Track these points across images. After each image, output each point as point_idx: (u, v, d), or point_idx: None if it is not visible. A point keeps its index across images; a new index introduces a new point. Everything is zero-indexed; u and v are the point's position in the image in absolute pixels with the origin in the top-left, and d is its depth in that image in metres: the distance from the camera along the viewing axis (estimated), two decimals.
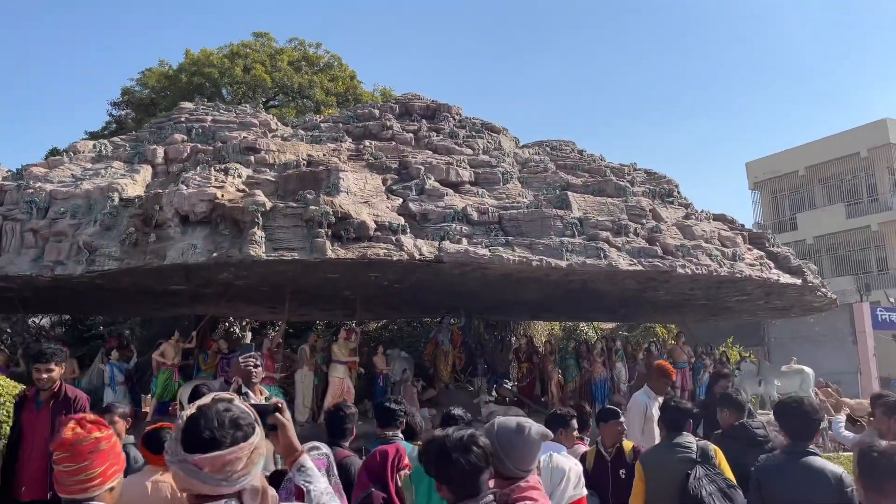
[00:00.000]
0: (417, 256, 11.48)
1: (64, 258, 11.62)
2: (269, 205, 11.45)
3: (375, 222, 11.76)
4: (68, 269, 11.51)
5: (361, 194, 12.67)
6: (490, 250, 11.94)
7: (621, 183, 15.29)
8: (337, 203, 11.61)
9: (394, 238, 11.58)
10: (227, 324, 20.70)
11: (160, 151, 13.74)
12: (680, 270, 12.77)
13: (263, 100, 27.39)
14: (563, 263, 12.10)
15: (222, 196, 11.56)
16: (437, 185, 13.30)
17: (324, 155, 13.93)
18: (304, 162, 13.47)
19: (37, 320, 25.97)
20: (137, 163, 13.48)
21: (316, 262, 11.29)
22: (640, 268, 12.56)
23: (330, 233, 11.30)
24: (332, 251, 11.09)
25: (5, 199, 12.37)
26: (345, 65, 30.14)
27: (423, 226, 12.40)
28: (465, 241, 12.10)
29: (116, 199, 11.98)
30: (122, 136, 14.69)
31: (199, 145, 13.99)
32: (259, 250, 10.91)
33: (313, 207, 11.36)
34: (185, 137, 14.39)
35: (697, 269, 13.04)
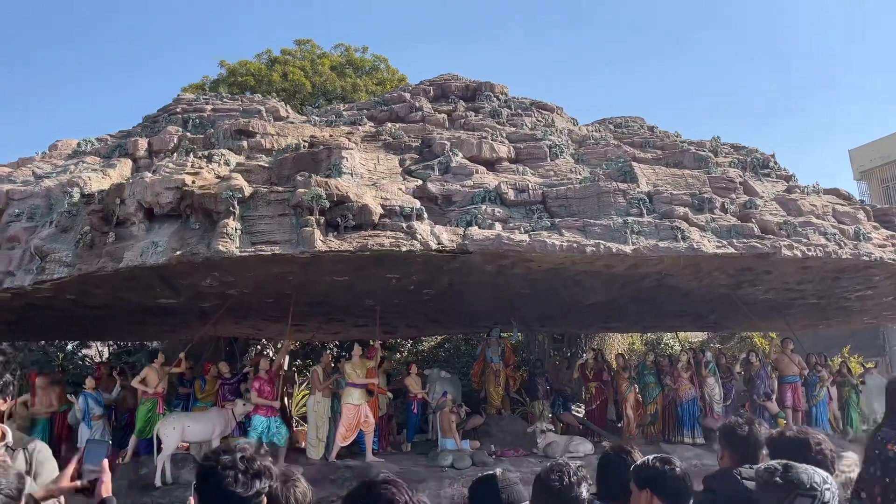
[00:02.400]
0: (434, 246, 8.93)
1: (14, 268, 9.68)
2: (248, 190, 9.18)
3: (383, 206, 9.31)
4: (17, 280, 9.55)
5: (370, 176, 10.27)
6: (530, 236, 9.27)
7: (702, 153, 12.31)
8: (333, 185, 9.22)
9: (404, 225, 9.08)
10: (259, 346, 18.66)
11: (143, 143, 11.77)
12: (786, 252, 9.69)
13: (309, 108, 25.60)
14: (628, 248, 9.28)
15: (193, 183, 9.38)
16: (465, 161, 10.77)
17: (330, 136, 11.61)
18: (306, 144, 11.19)
19: (88, 349, 24.80)
20: (117, 157, 11.53)
21: (306, 259, 8.91)
22: (731, 250, 9.58)
23: (322, 220, 8.94)
24: (324, 243, 8.69)
25: None
26: (393, 68, 28.13)
27: (445, 210, 9.88)
28: (498, 226, 9.48)
29: (76, 196, 10.02)
30: (112, 133, 12.88)
31: (188, 134, 11.95)
32: (230, 245, 8.62)
33: (302, 190, 9.00)
34: (180, 130, 12.39)
35: (809, 250, 9.92)
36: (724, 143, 14.39)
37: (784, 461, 2.39)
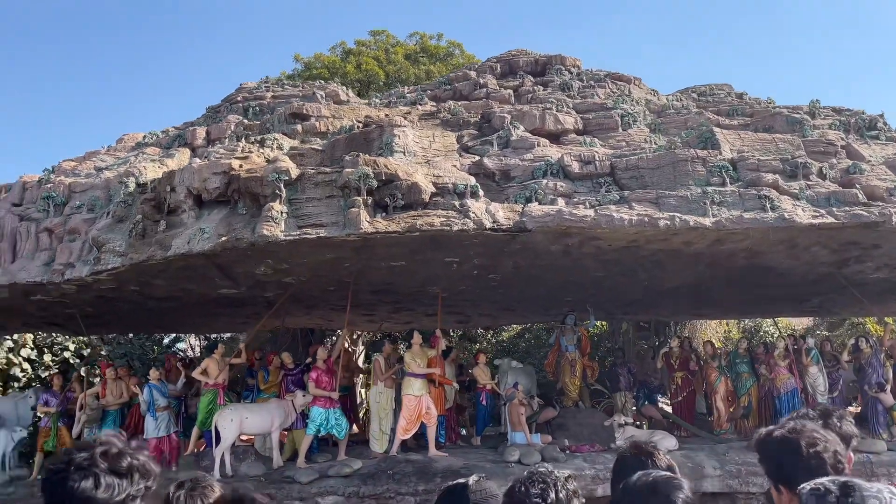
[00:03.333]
0: (489, 225, 8.26)
1: (74, 259, 9.72)
2: (294, 172, 8.80)
3: (434, 184, 8.73)
4: (76, 272, 9.56)
5: (424, 154, 9.69)
6: (596, 210, 8.44)
7: (796, 115, 11.03)
8: (382, 164, 8.70)
9: (457, 203, 8.47)
10: (335, 337, 18.45)
11: (201, 132, 11.66)
12: None
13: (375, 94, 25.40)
14: (708, 221, 8.30)
15: (240, 167, 9.08)
16: (526, 135, 10.02)
17: (386, 116, 11.10)
18: (360, 125, 10.73)
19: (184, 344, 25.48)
20: (176, 147, 11.46)
21: (356, 242, 8.44)
22: (830, 220, 8.40)
23: (370, 201, 8.45)
24: (371, 224, 8.19)
25: (25, 198, 10.78)
26: (468, 53, 27.47)
27: (502, 186, 9.19)
28: (560, 201, 8.71)
29: (132, 185, 9.95)
30: (177, 126, 12.88)
31: (245, 120, 11.75)
32: (275, 229, 8.26)
33: (349, 170, 8.53)
34: (240, 118, 12.21)
35: None
36: (823, 107, 12.94)
37: (844, 479, 1.61)
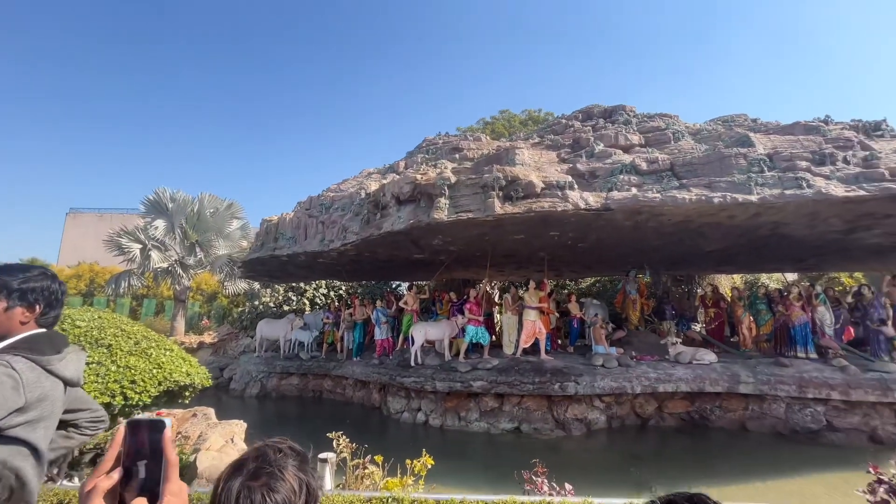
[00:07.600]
0: (583, 206, 6.59)
1: (333, 238, 9.25)
2: (453, 179, 7.61)
3: (543, 182, 7.15)
4: (334, 245, 9.08)
5: (535, 164, 8.10)
6: (662, 194, 6.47)
7: (812, 124, 8.14)
8: (508, 170, 7.29)
9: (559, 193, 6.86)
10: (481, 284, 17.24)
11: (401, 164, 10.88)
12: None
13: None
14: (753, 197, 6.06)
15: (421, 179, 8.05)
16: (606, 148, 8.11)
17: (510, 145, 9.62)
18: (493, 151, 9.34)
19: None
20: (388, 173, 10.75)
21: (491, 221, 7.12)
22: (861, 192, 5.84)
23: (501, 194, 7.06)
24: (501, 208, 6.82)
25: (311, 204, 10.54)
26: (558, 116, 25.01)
27: (590, 181, 7.39)
28: (634, 189, 6.81)
29: (363, 194, 9.28)
30: (390, 164, 12.26)
31: (424, 155, 10.80)
32: (442, 214, 7.13)
33: (487, 175, 7.21)
34: (424, 155, 11.30)
35: None
36: (837, 123, 9.64)
37: None
